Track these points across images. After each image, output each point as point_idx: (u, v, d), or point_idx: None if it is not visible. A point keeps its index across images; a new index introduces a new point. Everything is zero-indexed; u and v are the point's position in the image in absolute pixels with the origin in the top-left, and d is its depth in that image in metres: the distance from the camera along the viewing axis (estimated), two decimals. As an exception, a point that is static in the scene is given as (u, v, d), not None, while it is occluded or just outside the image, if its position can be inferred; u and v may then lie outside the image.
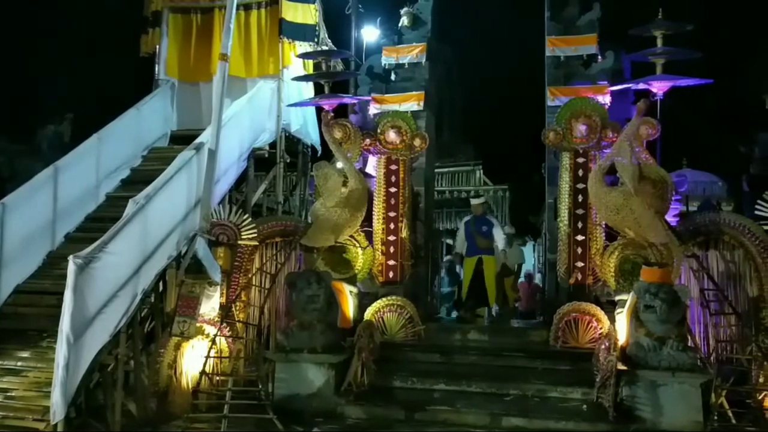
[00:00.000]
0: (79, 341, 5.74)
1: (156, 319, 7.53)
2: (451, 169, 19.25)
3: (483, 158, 19.72)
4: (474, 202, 10.73)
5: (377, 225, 8.92)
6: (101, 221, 7.91)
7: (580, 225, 8.28)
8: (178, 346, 7.29)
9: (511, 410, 6.77)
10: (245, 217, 8.26)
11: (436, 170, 13.08)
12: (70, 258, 5.79)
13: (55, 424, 5.53)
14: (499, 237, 9.69)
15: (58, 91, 15.37)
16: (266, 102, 10.39)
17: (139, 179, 8.75)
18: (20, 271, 7.47)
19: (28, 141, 12.56)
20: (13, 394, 6.08)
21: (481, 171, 19.36)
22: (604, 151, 8.12)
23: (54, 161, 8.27)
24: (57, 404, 5.52)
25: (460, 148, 20.55)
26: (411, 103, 9.25)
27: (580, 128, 8.16)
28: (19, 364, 6.45)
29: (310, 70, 10.81)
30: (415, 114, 9.18)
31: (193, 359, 7.36)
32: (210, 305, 7.72)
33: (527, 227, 18.33)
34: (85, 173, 8.65)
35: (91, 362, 6.00)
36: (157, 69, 10.97)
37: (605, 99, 8.53)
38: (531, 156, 13.87)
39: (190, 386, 7.27)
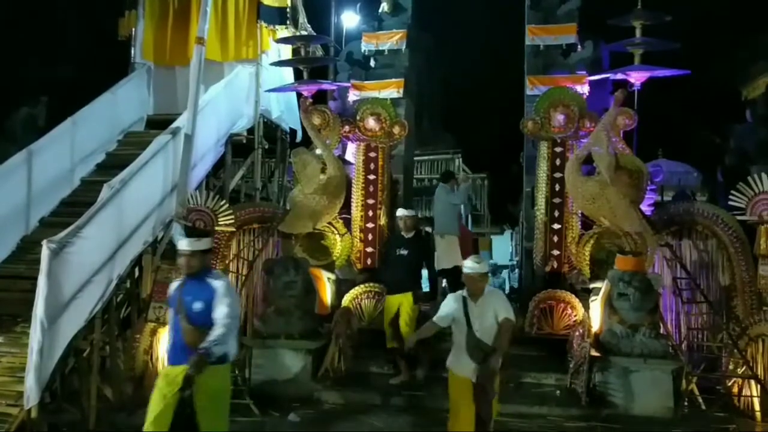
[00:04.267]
0: (54, 326, 5.67)
1: (132, 305, 7.46)
2: (431, 157, 19.25)
3: (462, 147, 19.76)
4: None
5: (356, 212, 8.93)
6: (76, 206, 7.78)
7: (556, 214, 8.36)
8: (154, 332, 7.23)
9: (486, 396, 6.82)
10: (222, 203, 8.20)
11: (415, 158, 13.13)
12: (44, 243, 5.72)
13: (29, 409, 5.48)
14: (220, 323, 4.45)
15: (32, 73, 15.08)
16: (244, 87, 10.27)
17: (114, 164, 8.62)
18: (-7, 256, 7.37)
19: (1, 124, 12.32)
20: (-14, 379, 6.00)
21: (461, 159, 19.40)
22: (582, 140, 8.20)
23: (28, 145, 8.13)
24: (31, 389, 5.46)
25: (440, 137, 20.55)
26: (390, 90, 9.22)
27: (558, 118, 8.22)
28: (-7, 349, 6.37)
29: (290, 55, 10.72)
30: (394, 101, 9.18)
31: (170, 345, 7.33)
32: (186, 291, 7.66)
33: (506, 216, 18.47)
34: (60, 157, 8.51)
35: (66, 347, 5.94)
36: (133, 52, 10.79)
37: (583, 89, 8.58)
38: (510, 145, 13.94)
39: (166, 372, 7.24)
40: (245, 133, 10.31)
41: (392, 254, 7.44)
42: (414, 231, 7.40)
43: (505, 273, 14.14)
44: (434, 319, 5.22)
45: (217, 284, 4.62)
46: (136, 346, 7.11)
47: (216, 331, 4.43)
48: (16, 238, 7.68)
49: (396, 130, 8.87)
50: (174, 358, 4.65)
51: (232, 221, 8.17)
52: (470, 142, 20.02)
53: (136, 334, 7.18)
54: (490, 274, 5.68)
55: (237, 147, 10.31)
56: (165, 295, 7.18)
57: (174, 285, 4.86)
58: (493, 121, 17.75)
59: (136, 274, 7.49)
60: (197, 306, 4.57)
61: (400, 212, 7.58)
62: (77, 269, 6.06)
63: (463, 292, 5.15)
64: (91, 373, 6.43)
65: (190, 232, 5.09)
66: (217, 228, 8.09)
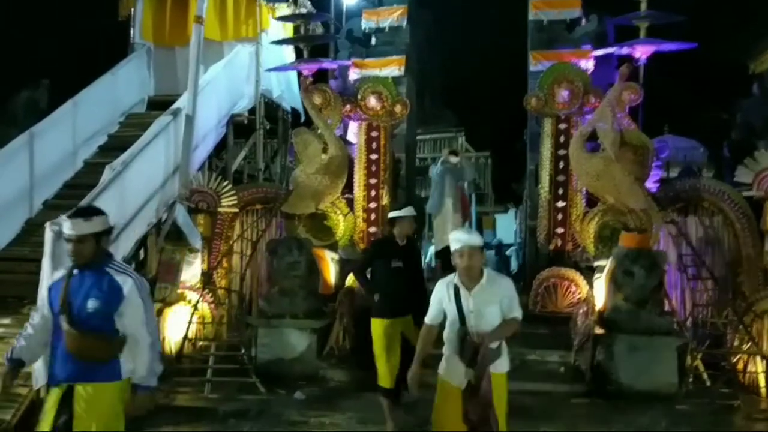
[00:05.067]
0: (59, 308, 5.70)
1: (137, 286, 7.48)
2: (433, 135, 19.14)
3: (465, 125, 19.65)
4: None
5: (358, 192, 8.89)
6: (79, 188, 7.80)
7: (560, 191, 8.32)
8: (159, 312, 7.26)
9: (490, 373, 6.85)
10: (225, 183, 8.19)
11: (417, 137, 13.02)
12: (47, 225, 5.73)
13: (38, 389, 5.52)
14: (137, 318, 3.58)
15: (33, 56, 15.01)
16: (244, 66, 10.21)
17: (116, 145, 8.63)
18: (-2, 239, 7.38)
19: (2, 107, 12.29)
20: (-6, 360, 6.04)
21: (464, 138, 19.31)
22: (586, 116, 8.12)
23: (29, 127, 8.11)
24: (39, 370, 5.49)
25: (442, 115, 20.44)
26: (392, 68, 9.10)
27: (563, 94, 8.14)
28: (0, 330, 6.41)
29: (290, 33, 10.61)
30: (396, 80, 9.05)
31: (176, 325, 7.37)
32: (191, 272, 7.70)
33: (509, 194, 18.41)
34: (62, 139, 8.52)
35: (72, 328, 5.96)
36: (132, 32, 10.72)
37: (588, 64, 8.45)
38: (513, 122, 13.83)
39: (173, 351, 7.29)
40: (246, 114, 10.26)
41: (383, 267, 5.62)
42: (407, 237, 5.72)
43: (512, 250, 14.12)
44: (428, 320, 4.13)
45: (124, 283, 3.54)
46: (141, 326, 7.14)
47: (146, 359, 3.54)
48: (20, 220, 7.71)
49: (398, 108, 8.79)
50: (57, 372, 3.53)
51: (235, 202, 8.18)
52: (473, 120, 19.91)
53: (141, 315, 7.20)
54: (493, 252, 5.34)
55: (238, 127, 10.28)
56: (170, 276, 7.29)
57: (56, 275, 3.72)
58: (496, 98, 17.56)
59: (141, 255, 7.50)
60: (92, 305, 3.47)
61: (405, 212, 5.68)
62: (81, 251, 6.05)
63: (455, 278, 3.97)
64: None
65: (75, 212, 3.72)
66: (220, 209, 8.10)
